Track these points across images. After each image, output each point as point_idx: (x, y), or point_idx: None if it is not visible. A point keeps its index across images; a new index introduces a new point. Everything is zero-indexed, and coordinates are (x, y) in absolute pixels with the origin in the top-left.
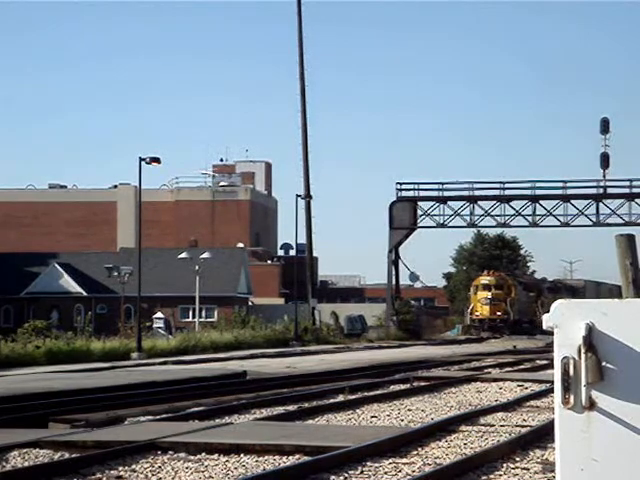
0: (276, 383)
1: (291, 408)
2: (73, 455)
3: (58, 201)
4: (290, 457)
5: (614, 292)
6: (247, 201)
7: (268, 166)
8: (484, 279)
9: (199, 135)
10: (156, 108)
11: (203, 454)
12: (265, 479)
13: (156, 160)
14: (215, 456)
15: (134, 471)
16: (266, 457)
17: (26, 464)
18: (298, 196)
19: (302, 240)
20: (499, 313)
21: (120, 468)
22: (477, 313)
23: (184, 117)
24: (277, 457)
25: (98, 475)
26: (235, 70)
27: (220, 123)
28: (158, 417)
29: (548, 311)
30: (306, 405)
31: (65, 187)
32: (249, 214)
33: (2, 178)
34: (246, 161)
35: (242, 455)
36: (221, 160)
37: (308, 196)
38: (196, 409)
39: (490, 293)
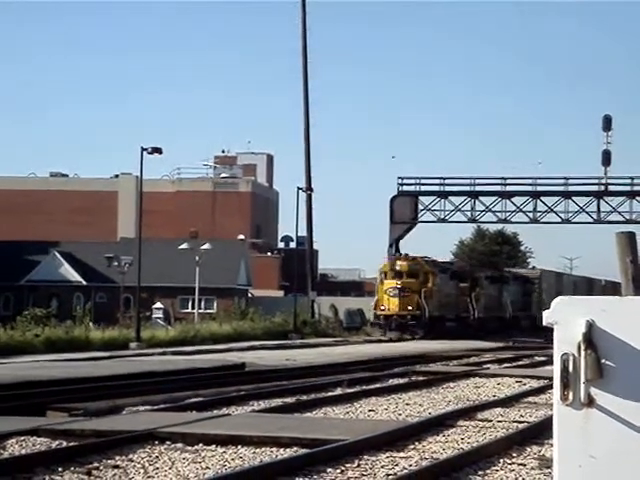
0: (275, 375)
1: (289, 400)
2: (71, 444)
3: (59, 190)
4: (287, 449)
5: (580, 285)
6: (248, 193)
7: (270, 158)
8: (394, 264)
9: (201, 126)
10: (159, 99)
11: (200, 445)
12: (262, 471)
13: (158, 150)
14: (212, 447)
15: (131, 461)
16: (263, 449)
17: (24, 452)
18: (299, 189)
19: (303, 233)
20: (410, 308)
21: (117, 457)
22: (382, 307)
23: (187, 108)
24: (274, 449)
25: (95, 464)
26: (238, 62)
27: (222, 114)
28: (156, 407)
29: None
30: (304, 398)
31: (66, 176)
32: (250, 206)
33: (3, 166)
34: (248, 153)
35: (239, 446)
36: (223, 151)
37: (309, 189)
38: (194, 400)
39: (400, 282)
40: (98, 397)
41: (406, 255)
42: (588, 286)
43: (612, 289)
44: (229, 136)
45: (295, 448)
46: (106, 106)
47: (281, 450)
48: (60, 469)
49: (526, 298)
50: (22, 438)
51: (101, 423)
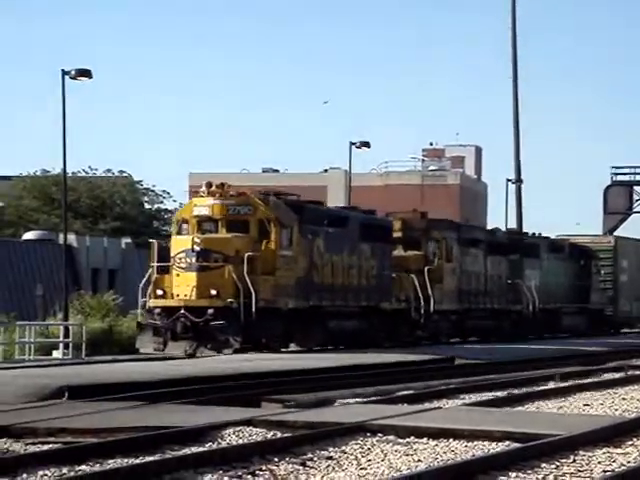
0: (485, 369)
1: (499, 394)
2: (285, 434)
3: (271, 185)
4: (499, 443)
5: None
6: (456, 185)
7: (478, 150)
8: (200, 204)
9: (409, 119)
10: (368, 92)
11: (412, 437)
12: (475, 465)
13: (366, 144)
14: (424, 440)
15: (344, 452)
16: (475, 442)
17: (240, 442)
18: (508, 180)
19: (512, 225)
20: (214, 292)
21: (330, 449)
22: (160, 292)
23: (396, 101)
24: (486, 443)
25: (309, 455)
26: (447, 55)
27: (432, 106)
28: (366, 400)
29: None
30: (515, 392)
31: (277, 171)
32: (458, 198)
33: (218, 163)
34: (456, 145)
35: (451, 440)
36: (430, 144)
37: (519, 180)
38: (405, 392)
39: (202, 239)
40: (309, 389)
41: (222, 185)
42: None
43: None
44: (437, 128)
45: (507, 442)
46: (319, 105)
47: (493, 444)
48: (276, 459)
49: (579, 281)
50: (238, 428)
51: (312, 415)
